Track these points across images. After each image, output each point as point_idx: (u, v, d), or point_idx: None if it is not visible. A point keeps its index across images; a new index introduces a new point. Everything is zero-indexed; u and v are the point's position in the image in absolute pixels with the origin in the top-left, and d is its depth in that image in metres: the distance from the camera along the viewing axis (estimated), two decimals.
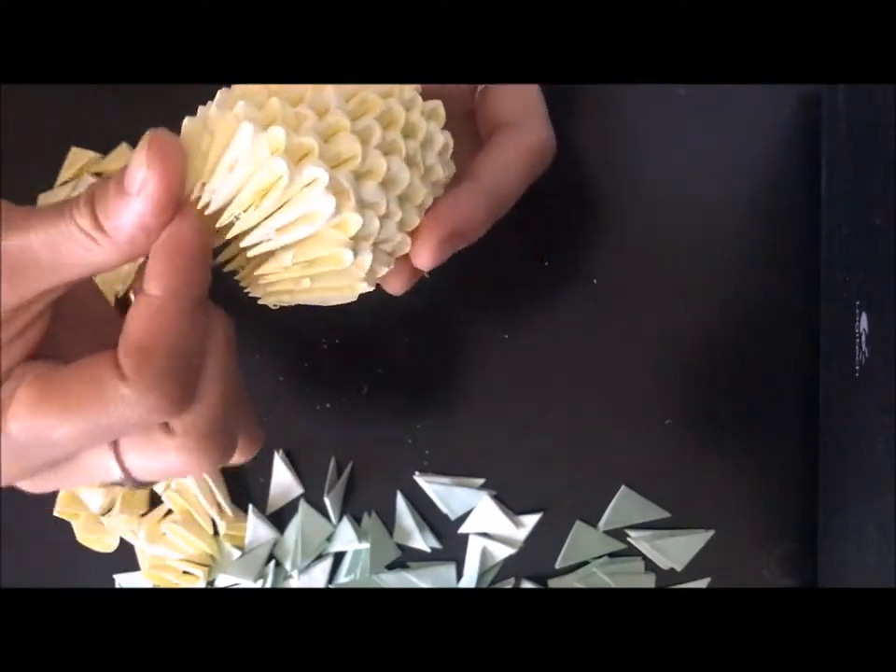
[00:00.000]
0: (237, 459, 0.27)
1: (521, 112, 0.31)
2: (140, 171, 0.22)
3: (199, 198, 0.24)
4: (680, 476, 0.38)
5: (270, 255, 0.25)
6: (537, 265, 0.39)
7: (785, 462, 0.38)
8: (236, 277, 0.27)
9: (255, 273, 0.26)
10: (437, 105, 0.28)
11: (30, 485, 0.25)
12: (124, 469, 0.24)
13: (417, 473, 0.39)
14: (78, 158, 0.41)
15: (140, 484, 0.25)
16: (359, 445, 0.39)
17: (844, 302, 0.34)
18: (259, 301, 0.27)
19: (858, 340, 0.32)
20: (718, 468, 0.38)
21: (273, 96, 0.24)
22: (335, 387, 0.39)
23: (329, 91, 0.25)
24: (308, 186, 0.24)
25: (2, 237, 0.22)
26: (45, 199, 0.41)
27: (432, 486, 0.38)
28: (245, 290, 0.27)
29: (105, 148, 0.42)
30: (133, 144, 0.41)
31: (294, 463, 0.39)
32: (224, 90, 0.25)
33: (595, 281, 0.39)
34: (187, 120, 0.24)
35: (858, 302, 0.32)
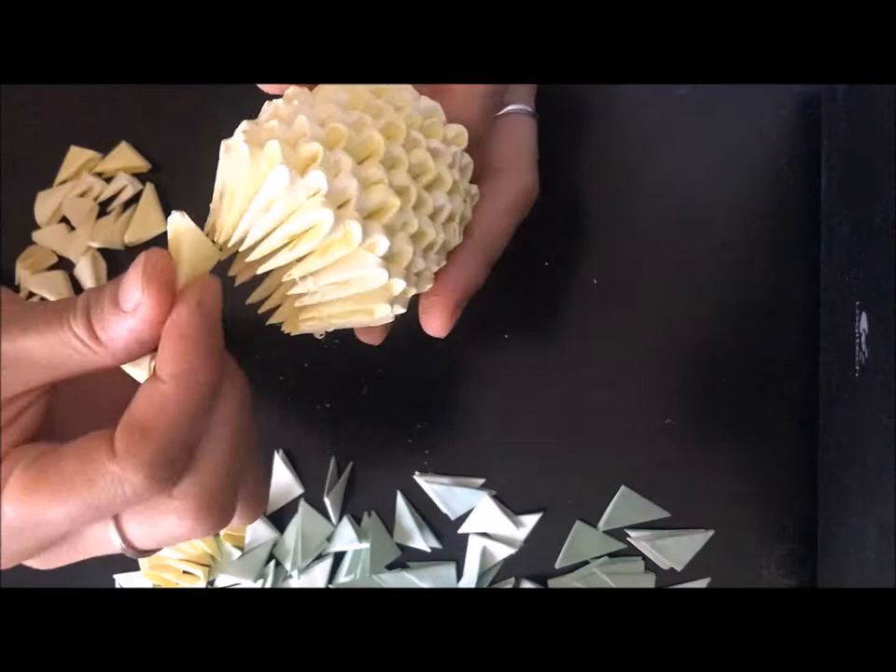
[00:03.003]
0: (238, 523, 0.27)
1: (508, 158, 0.32)
2: (135, 292, 0.23)
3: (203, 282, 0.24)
4: (680, 476, 0.38)
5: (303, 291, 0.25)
6: (537, 265, 0.39)
7: (785, 463, 0.38)
8: (274, 322, 0.27)
9: (294, 309, 0.26)
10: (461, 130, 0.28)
11: (37, 563, 0.25)
12: (125, 540, 0.24)
13: (417, 473, 0.39)
14: (77, 157, 0.41)
15: (142, 553, 0.25)
16: (359, 445, 0.39)
17: (844, 302, 0.34)
18: (293, 333, 0.27)
19: (858, 340, 0.32)
20: (718, 467, 0.38)
21: (305, 134, 0.24)
22: (335, 387, 0.39)
23: (380, 142, 0.25)
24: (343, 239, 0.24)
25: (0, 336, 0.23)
26: (44, 197, 0.41)
27: (432, 486, 0.38)
28: (281, 329, 0.27)
29: (104, 148, 0.42)
30: (134, 143, 0.42)
31: (294, 463, 0.39)
32: (250, 123, 0.25)
33: (595, 281, 0.39)
34: (222, 159, 0.24)
35: (858, 302, 0.32)
